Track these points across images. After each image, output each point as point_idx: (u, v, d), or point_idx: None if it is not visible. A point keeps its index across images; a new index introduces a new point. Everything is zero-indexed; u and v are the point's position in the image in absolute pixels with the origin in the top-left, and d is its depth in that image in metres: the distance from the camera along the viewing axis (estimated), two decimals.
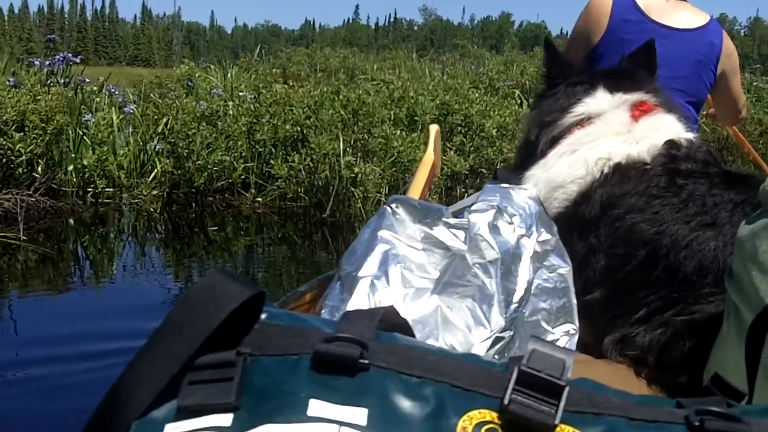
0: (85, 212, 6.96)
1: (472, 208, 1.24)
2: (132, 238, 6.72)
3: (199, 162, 7.31)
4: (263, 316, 0.66)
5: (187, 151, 7.35)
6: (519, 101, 10.75)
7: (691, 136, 1.74)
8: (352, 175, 7.00)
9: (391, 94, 8.45)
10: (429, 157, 2.16)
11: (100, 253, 6.09)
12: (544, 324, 1.23)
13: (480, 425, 0.59)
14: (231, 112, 7.92)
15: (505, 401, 0.59)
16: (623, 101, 1.81)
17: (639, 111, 1.77)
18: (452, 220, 1.23)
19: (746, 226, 1.14)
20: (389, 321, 0.74)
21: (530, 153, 1.86)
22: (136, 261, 5.79)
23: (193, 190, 7.51)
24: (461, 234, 1.20)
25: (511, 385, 0.60)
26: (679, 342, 1.45)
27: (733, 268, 1.17)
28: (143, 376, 0.61)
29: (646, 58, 2.01)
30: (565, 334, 1.25)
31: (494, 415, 0.59)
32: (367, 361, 0.61)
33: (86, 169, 7.25)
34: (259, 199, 7.69)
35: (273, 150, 7.68)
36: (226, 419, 0.58)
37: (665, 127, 1.75)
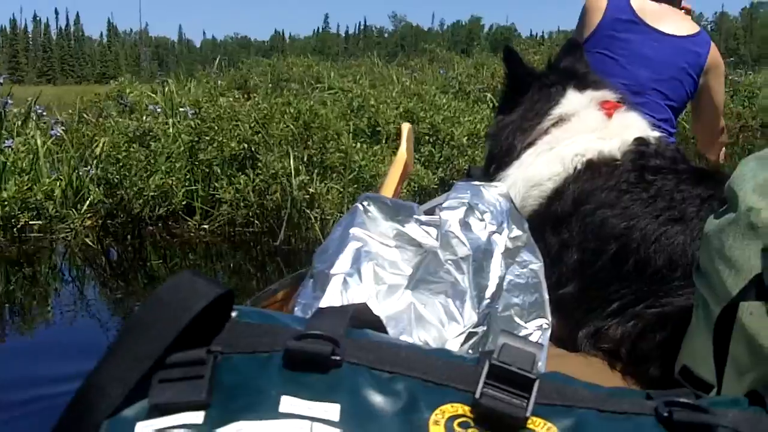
0: (7, 250, 6.10)
1: (444, 205, 1.25)
2: (64, 275, 5.88)
3: (134, 188, 6.42)
4: (233, 314, 0.66)
5: (118, 176, 6.45)
6: (491, 104, 10.15)
7: (658, 134, 1.77)
8: (306, 196, 6.21)
9: (350, 103, 7.93)
10: (402, 155, 2.15)
11: (29, 295, 5.26)
12: (517, 319, 1.24)
13: (452, 419, 0.59)
14: (170, 131, 7.03)
15: (477, 395, 0.60)
16: (592, 99, 1.84)
17: (609, 108, 1.80)
18: (424, 218, 1.23)
19: (713, 221, 1.15)
20: (361, 318, 0.74)
21: (503, 156, 1.87)
22: (66, 301, 5.09)
23: (131, 219, 6.59)
24: (433, 231, 1.20)
25: (482, 378, 0.61)
26: (651, 334, 1.47)
27: (701, 263, 1.19)
28: (113, 375, 0.61)
29: (576, 55, 2.05)
30: (538, 329, 1.26)
31: (466, 408, 0.60)
32: (338, 358, 0.61)
33: (5, 202, 6.28)
34: (206, 225, 6.72)
35: (219, 171, 6.74)
36: (197, 417, 0.58)
37: (636, 124, 1.78)
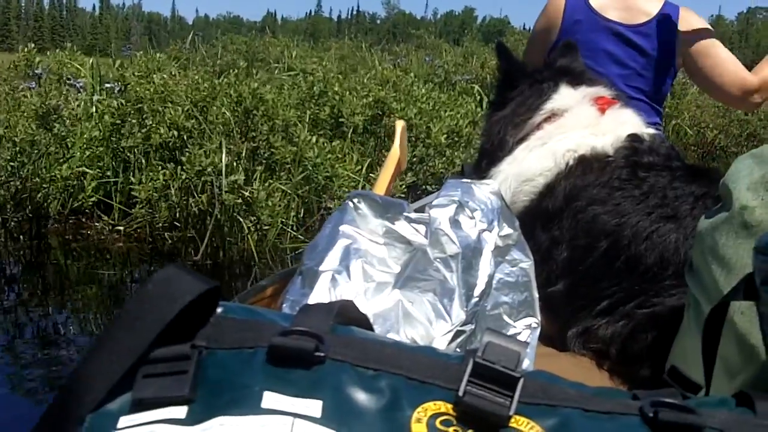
0: None
1: (433, 203, 1.25)
2: None
3: (36, 177, 5.26)
4: (219, 309, 0.66)
5: (13, 164, 5.26)
6: (478, 97, 9.32)
7: (652, 131, 1.76)
8: (238, 200, 4.97)
9: (310, 88, 6.63)
10: (395, 152, 2.15)
11: None
12: (506, 318, 1.24)
13: (434, 417, 0.59)
14: (92, 111, 5.88)
15: (460, 393, 0.59)
16: (585, 95, 1.83)
17: (603, 104, 1.79)
18: (413, 215, 1.23)
19: (706, 220, 1.15)
20: (347, 315, 0.74)
21: (495, 152, 1.87)
22: None
23: (30, 215, 5.43)
24: (422, 228, 1.20)
25: (466, 376, 0.60)
26: (641, 334, 1.47)
27: (693, 262, 1.19)
28: (98, 370, 0.61)
29: (572, 54, 2.04)
30: (527, 328, 1.26)
31: (449, 406, 0.60)
32: (322, 354, 0.61)
33: None
34: (121, 227, 5.53)
35: (144, 161, 5.54)
36: (180, 412, 0.58)
37: (629, 121, 1.77)
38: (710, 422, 0.62)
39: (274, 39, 11.84)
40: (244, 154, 5.26)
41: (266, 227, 5.20)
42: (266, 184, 5.20)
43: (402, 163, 2.19)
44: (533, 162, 1.74)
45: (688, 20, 2.67)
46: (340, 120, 6.33)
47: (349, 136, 6.31)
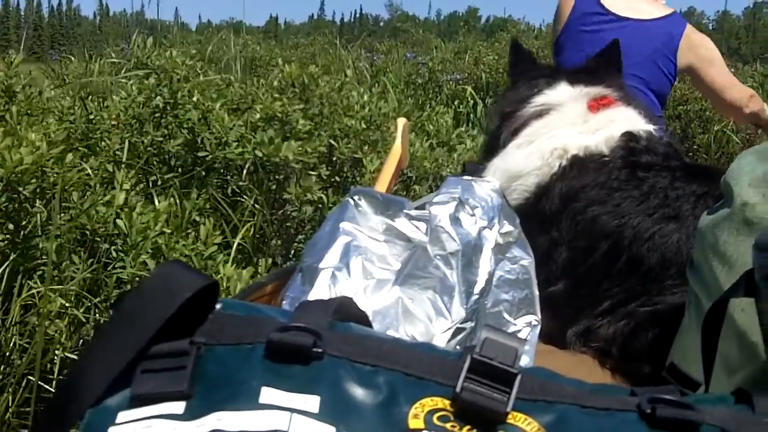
0: None
1: (434, 200, 1.25)
2: None
3: None
4: (218, 306, 0.66)
5: None
6: (471, 102, 7.63)
7: (650, 128, 1.75)
8: None
9: (148, 99, 3.53)
10: (396, 150, 2.15)
11: None
12: (506, 315, 1.24)
13: (432, 413, 0.59)
14: None
15: (458, 389, 0.60)
16: (583, 93, 1.82)
17: (598, 103, 1.78)
18: (414, 212, 1.23)
19: (707, 217, 1.15)
20: (346, 312, 0.74)
21: (493, 145, 1.87)
22: None
23: None
24: (423, 226, 1.20)
25: (464, 373, 0.61)
26: (643, 333, 1.46)
27: (694, 259, 1.18)
28: (96, 365, 0.61)
29: (612, 56, 2.03)
30: (527, 326, 1.26)
31: (446, 402, 0.60)
32: (320, 350, 0.61)
33: None
34: None
35: None
36: (178, 407, 0.58)
37: (622, 119, 1.75)
38: (708, 419, 0.62)
39: (237, 39, 9.82)
40: None
41: None
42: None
43: (404, 161, 2.18)
44: (520, 159, 1.73)
45: (692, 35, 2.82)
46: (198, 155, 3.39)
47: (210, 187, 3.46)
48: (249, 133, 3.34)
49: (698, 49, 2.83)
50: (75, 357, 2.41)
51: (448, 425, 0.59)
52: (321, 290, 1.09)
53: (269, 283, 1.45)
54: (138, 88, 3.63)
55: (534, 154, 1.71)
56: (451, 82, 8.52)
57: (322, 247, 1.16)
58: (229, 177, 3.45)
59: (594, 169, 1.61)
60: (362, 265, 1.14)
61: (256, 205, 3.29)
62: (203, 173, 3.48)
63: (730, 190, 1.09)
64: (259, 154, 3.09)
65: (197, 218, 3.10)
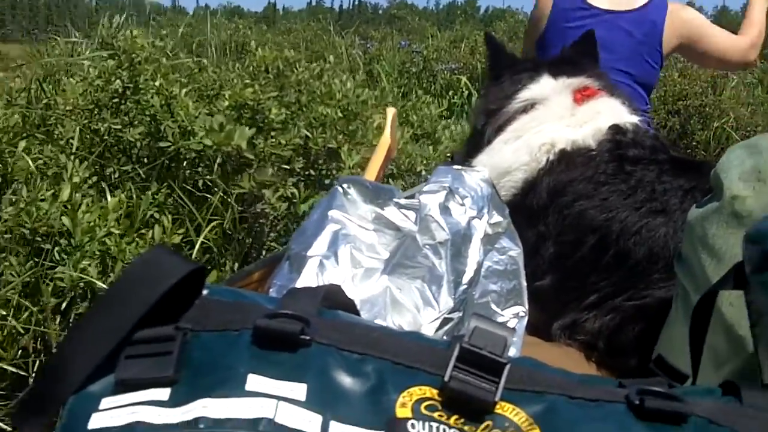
0: None
1: (423, 189, 1.24)
2: None
3: None
4: (205, 292, 0.66)
5: None
6: (465, 93, 7.28)
7: (636, 119, 1.75)
8: None
9: (107, 83, 3.07)
10: (386, 139, 2.15)
11: None
12: (493, 306, 1.23)
13: (420, 401, 0.58)
14: None
15: (446, 378, 0.59)
16: (567, 86, 1.81)
17: (582, 95, 1.77)
18: (403, 201, 1.22)
19: (696, 210, 1.15)
20: (334, 299, 0.74)
21: (478, 141, 1.86)
22: None
23: None
24: (412, 215, 1.20)
25: (452, 362, 0.60)
26: (629, 327, 1.46)
27: (683, 251, 1.18)
28: (80, 351, 0.60)
29: (587, 46, 2.03)
30: (514, 317, 1.25)
31: (434, 391, 0.59)
32: (308, 337, 0.61)
33: None
34: None
35: None
36: (163, 393, 0.57)
37: (608, 111, 1.75)
38: (696, 410, 0.61)
39: (219, 22, 8.91)
40: None
41: None
42: None
43: (392, 150, 2.18)
44: (508, 155, 1.72)
45: (677, 14, 2.76)
46: (161, 146, 2.96)
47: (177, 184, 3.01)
48: (216, 122, 2.82)
49: (688, 25, 2.79)
50: (14, 369, 2.16)
51: (435, 414, 0.58)
52: (308, 278, 1.08)
53: (256, 270, 1.44)
54: (96, 70, 3.16)
55: (522, 149, 1.70)
56: (445, 72, 8.12)
57: (310, 235, 1.16)
58: (199, 170, 3.01)
59: (581, 164, 1.61)
60: (350, 254, 1.13)
61: (230, 201, 2.88)
62: (167, 166, 3.05)
63: (719, 183, 1.09)
64: (208, 143, 2.69)
65: (157, 215, 2.75)
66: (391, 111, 2.28)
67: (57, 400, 0.59)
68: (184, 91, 3.09)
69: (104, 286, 2.05)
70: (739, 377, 0.91)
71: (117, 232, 2.30)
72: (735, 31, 2.90)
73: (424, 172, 3.51)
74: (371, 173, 1.93)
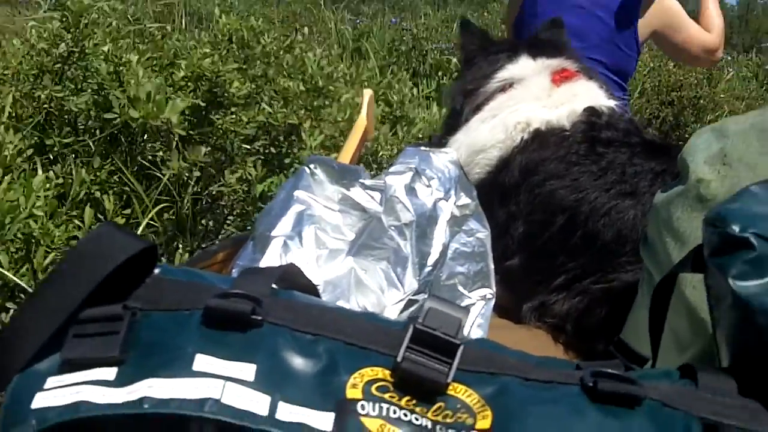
0: None
1: (390, 170, 1.23)
2: None
3: None
4: (157, 270, 0.65)
5: None
6: (455, 74, 6.26)
7: (612, 103, 1.74)
8: None
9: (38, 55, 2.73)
10: (362, 121, 2.13)
11: None
12: (461, 288, 1.23)
13: (371, 382, 0.58)
14: None
15: (398, 359, 0.59)
16: (545, 66, 1.81)
17: (560, 77, 1.77)
18: (369, 182, 1.21)
19: (662, 194, 1.15)
20: (292, 280, 0.73)
21: (455, 122, 1.85)
22: None
23: None
24: (378, 196, 1.19)
25: (405, 342, 0.60)
26: (597, 310, 1.47)
27: (648, 235, 1.18)
28: (26, 329, 0.59)
29: (555, 31, 2.03)
30: (481, 299, 1.25)
31: (386, 372, 0.59)
32: (259, 318, 0.60)
33: None
34: None
35: None
36: (109, 373, 0.57)
37: (585, 93, 1.74)
38: (651, 393, 0.61)
39: None
40: None
41: None
42: None
43: (369, 132, 2.17)
44: (484, 133, 1.71)
45: (657, 1, 2.72)
46: (107, 118, 2.51)
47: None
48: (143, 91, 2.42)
49: (663, 15, 2.76)
50: None
51: (386, 395, 0.58)
52: (272, 259, 1.07)
53: (220, 251, 1.43)
54: (38, 32, 2.77)
55: (498, 127, 1.70)
56: (435, 51, 7.61)
57: (275, 215, 1.14)
58: (149, 146, 2.73)
59: (554, 143, 1.60)
60: (315, 235, 1.12)
61: (190, 180, 2.62)
62: (113, 140, 2.71)
63: (685, 167, 1.09)
64: (135, 115, 2.35)
65: (99, 195, 2.46)
66: (367, 92, 2.26)
67: (2, 379, 0.58)
68: (135, 58, 2.67)
69: (13, 277, 1.85)
70: (701, 360, 0.91)
71: (40, 213, 1.99)
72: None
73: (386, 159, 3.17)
74: (346, 155, 1.92)
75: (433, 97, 5.56)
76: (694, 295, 0.98)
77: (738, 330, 0.71)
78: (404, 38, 7.97)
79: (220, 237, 2.71)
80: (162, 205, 2.53)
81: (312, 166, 1.23)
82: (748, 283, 0.68)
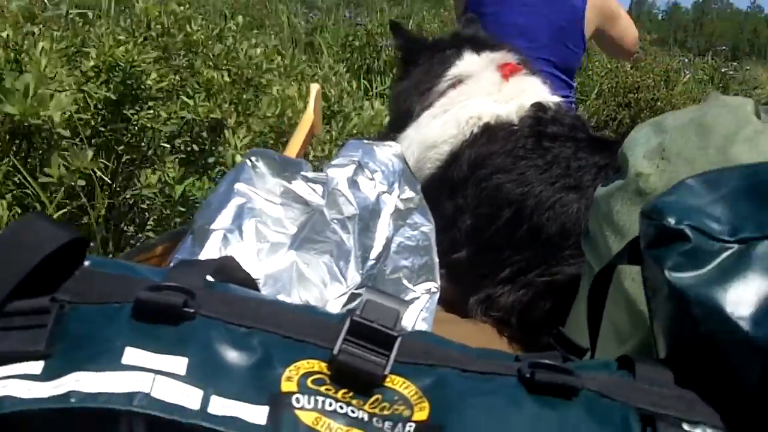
0: None
1: (332, 162, 1.22)
2: None
3: None
4: (86, 263, 0.63)
5: None
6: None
7: (558, 99, 1.77)
8: None
9: None
10: (309, 116, 2.12)
11: None
12: (405, 282, 1.23)
13: (306, 375, 0.57)
14: None
15: (335, 351, 0.58)
16: (490, 60, 1.83)
17: (507, 70, 1.78)
18: (311, 174, 1.20)
19: (602, 188, 1.16)
20: (229, 273, 0.72)
21: (404, 122, 1.85)
22: None
23: None
24: (320, 188, 1.18)
25: (342, 335, 0.59)
26: (541, 303, 1.48)
27: (590, 229, 1.19)
28: None
29: (474, 27, 2.05)
30: (426, 292, 1.25)
31: (323, 365, 0.58)
32: (191, 310, 0.59)
33: None
34: None
35: None
36: (35, 367, 0.55)
37: (532, 89, 1.77)
38: (588, 384, 0.62)
39: None
40: None
41: None
42: None
43: (316, 127, 2.16)
44: (437, 129, 1.72)
45: (595, 2, 2.71)
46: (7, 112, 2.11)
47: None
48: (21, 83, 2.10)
49: (604, 9, 2.76)
50: None
51: (322, 388, 0.57)
52: (211, 252, 1.06)
53: (159, 244, 1.40)
54: None
55: (450, 122, 1.71)
56: (390, 48, 7.06)
57: (215, 208, 1.13)
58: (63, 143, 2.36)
59: (502, 138, 1.61)
60: (256, 228, 1.11)
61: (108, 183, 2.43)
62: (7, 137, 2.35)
63: (625, 161, 1.10)
64: (11, 110, 2.06)
65: None
66: (314, 87, 2.25)
67: None
68: (41, 45, 2.32)
69: None
70: (641, 352, 0.92)
71: None
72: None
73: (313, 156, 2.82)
74: (292, 150, 1.90)
75: (386, 95, 5.38)
76: (633, 288, 0.99)
77: (674, 321, 0.71)
78: (358, 33, 7.72)
79: (138, 244, 2.43)
80: (63, 210, 2.29)
81: (253, 158, 1.21)
82: (683, 274, 0.69)
